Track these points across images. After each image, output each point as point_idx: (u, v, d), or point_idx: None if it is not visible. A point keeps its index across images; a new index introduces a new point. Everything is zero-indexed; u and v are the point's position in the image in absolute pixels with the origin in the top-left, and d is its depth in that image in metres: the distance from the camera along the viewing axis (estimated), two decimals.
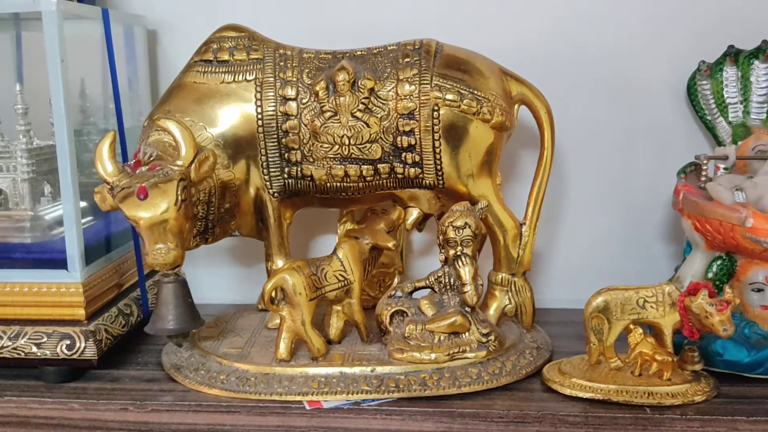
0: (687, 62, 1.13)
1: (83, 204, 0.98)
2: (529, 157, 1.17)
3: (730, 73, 1.10)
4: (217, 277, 1.25)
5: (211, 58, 0.99)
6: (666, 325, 0.90)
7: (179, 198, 0.84)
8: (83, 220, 0.99)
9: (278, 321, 0.95)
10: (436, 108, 0.95)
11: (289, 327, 0.92)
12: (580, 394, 0.88)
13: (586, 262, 1.22)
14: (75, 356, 0.93)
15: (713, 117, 1.12)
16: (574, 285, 1.16)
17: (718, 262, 0.99)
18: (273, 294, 0.92)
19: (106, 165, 0.86)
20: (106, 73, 1.05)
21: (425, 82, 0.95)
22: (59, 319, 0.95)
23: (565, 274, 1.23)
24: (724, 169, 1.04)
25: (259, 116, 0.97)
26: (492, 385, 0.90)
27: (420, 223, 1.06)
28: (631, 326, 0.91)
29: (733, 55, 1.09)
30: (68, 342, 0.93)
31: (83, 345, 0.93)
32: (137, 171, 0.87)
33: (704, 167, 1.02)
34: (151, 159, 0.90)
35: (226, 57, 0.99)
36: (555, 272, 1.23)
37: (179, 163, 0.87)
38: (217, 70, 0.99)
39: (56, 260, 0.95)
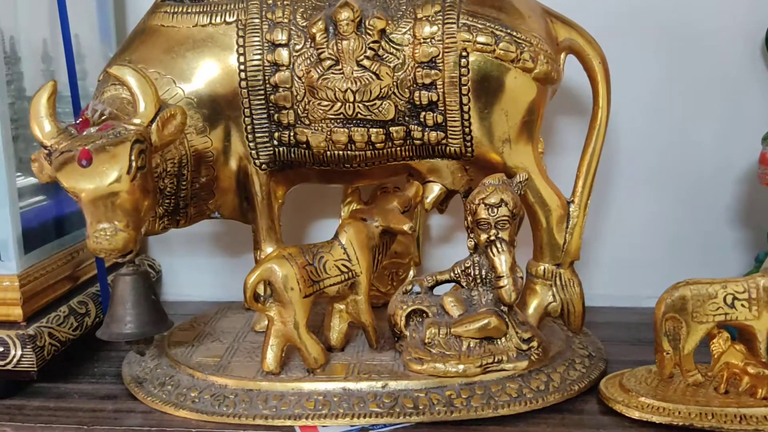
0: (764, 9, 1.06)
1: (32, 181, 0.91)
2: (573, 122, 1.09)
3: None
4: (196, 269, 1.20)
5: None
6: (761, 328, 0.81)
7: (133, 165, 0.74)
8: (33, 200, 0.91)
9: (267, 323, 0.87)
10: (464, 54, 0.85)
11: (279, 331, 0.84)
12: (653, 419, 0.78)
13: (640, 250, 1.15)
14: (8, 367, 0.85)
15: None
16: (625, 278, 1.13)
17: None
18: (258, 289, 0.84)
19: (42, 124, 0.76)
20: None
21: (450, 21, 0.85)
22: None
23: (614, 266, 1.16)
24: None
25: (242, 67, 0.89)
26: (537, 405, 0.81)
27: (442, 202, 0.98)
28: (716, 330, 0.81)
29: None
30: (0, 349, 0.84)
31: (19, 353, 0.85)
32: (84, 132, 0.77)
33: None
34: (103, 118, 0.80)
35: None
36: (603, 263, 1.15)
37: (136, 121, 0.77)
38: (189, 11, 0.90)
39: None
